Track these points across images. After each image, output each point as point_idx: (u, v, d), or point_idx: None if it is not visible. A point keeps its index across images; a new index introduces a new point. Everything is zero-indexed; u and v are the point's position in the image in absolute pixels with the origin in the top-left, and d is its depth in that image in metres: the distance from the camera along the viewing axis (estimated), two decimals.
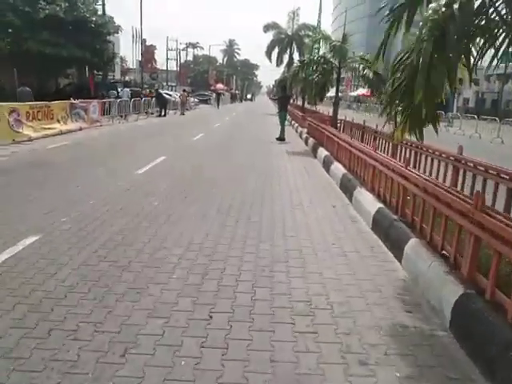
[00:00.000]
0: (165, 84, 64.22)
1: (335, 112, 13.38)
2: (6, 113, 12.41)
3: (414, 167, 7.50)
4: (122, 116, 21.91)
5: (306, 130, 16.25)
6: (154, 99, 27.63)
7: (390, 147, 9.49)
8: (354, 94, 68.63)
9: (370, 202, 5.67)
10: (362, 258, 4.45)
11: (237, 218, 5.62)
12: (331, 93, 15.46)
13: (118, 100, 21.80)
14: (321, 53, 13.58)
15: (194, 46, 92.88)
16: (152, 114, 26.98)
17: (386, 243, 4.74)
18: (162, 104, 27.34)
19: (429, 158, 7.53)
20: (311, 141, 13.37)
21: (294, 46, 38.78)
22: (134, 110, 24.09)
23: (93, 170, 8.66)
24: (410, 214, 4.72)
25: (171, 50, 68.55)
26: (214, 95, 58.54)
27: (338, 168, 8.30)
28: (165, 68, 68.31)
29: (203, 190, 7.15)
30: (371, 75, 12.13)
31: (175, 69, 70.54)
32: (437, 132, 4.32)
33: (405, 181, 4.79)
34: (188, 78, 79.75)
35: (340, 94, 41.24)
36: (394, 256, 4.46)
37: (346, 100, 61.62)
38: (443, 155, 7.07)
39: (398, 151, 9.08)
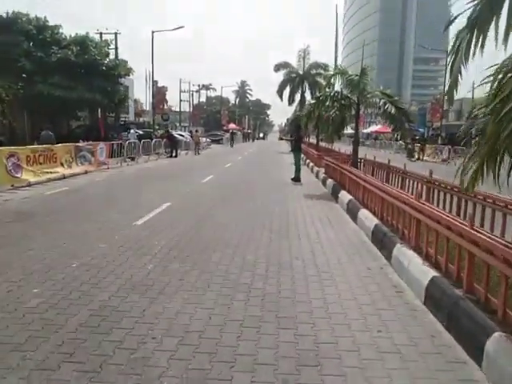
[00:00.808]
0: (178, 124, 64.87)
1: (355, 151, 12.33)
2: (3, 157, 11.67)
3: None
4: (131, 158, 21.27)
5: (323, 170, 15.19)
6: (164, 140, 27.11)
7: (424, 190, 8.34)
8: (367, 130, 68.28)
9: (418, 268, 4.45)
10: (422, 356, 3.21)
11: (248, 293, 4.40)
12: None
13: (127, 142, 21.19)
14: (337, 88, 12.71)
15: (207, 87, 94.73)
16: (163, 155, 26.42)
17: (451, 330, 3.49)
18: (173, 145, 26.79)
19: (488, 209, 6.23)
20: (330, 182, 12.27)
21: (306, 84, 38.52)
22: (144, 151, 23.52)
23: (85, 222, 7.63)
24: (484, 292, 3.49)
25: (184, 91, 69.80)
26: (227, 135, 58.91)
27: (367, 216, 7.12)
28: (178, 109, 69.57)
29: (207, 250, 6.00)
30: (393, 110, 11.15)
31: (188, 110, 71.52)
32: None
33: (472, 245, 3.61)
34: (201, 119, 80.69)
35: (352, 131, 40.71)
36: (466, 352, 3.21)
37: (360, 137, 61.09)
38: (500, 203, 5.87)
39: (435, 195, 7.92)
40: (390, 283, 4.72)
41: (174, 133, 32.70)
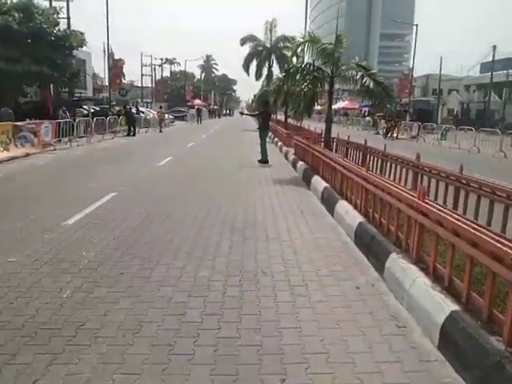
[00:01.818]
0: (140, 100, 61.99)
1: (328, 129, 11.13)
2: None
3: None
4: (86, 137, 19.41)
5: (292, 151, 13.96)
6: (121, 117, 25.09)
7: (411, 176, 7.25)
8: (334, 106, 67.34)
9: (425, 292, 3.30)
10: None
11: (194, 339, 3.07)
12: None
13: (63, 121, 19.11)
14: (306, 60, 11.35)
15: (171, 61, 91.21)
16: (120, 133, 24.47)
17: None
18: (131, 122, 24.83)
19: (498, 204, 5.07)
20: (301, 165, 11.05)
21: (273, 58, 36.88)
22: (98, 129, 21.57)
23: (5, 222, 6.11)
24: None
25: (146, 65, 66.56)
26: (192, 111, 56.68)
27: (348, 211, 5.96)
28: (141, 84, 66.35)
29: (149, 263, 4.67)
30: (372, 84, 9.96)
31: (150, 85, 68.43)
32: None
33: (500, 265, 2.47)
34: (165, 95, 77.61)
35: (319, 108, 39.44)
36: None
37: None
38: None
39: (424, 183, 6.84)
40: (387, 313, 3.54)
41: (132, 109, 30.60)
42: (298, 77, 10.53)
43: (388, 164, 8.50)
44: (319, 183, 8.22)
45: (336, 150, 12.05)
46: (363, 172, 5.60)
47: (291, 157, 13.26)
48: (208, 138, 25.07)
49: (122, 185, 9.11)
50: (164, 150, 17.30)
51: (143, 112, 34.99)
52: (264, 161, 13.37)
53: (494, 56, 40.79)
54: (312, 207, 7.40)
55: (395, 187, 4.69)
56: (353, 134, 15.19)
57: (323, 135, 11.40)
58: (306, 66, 10.69)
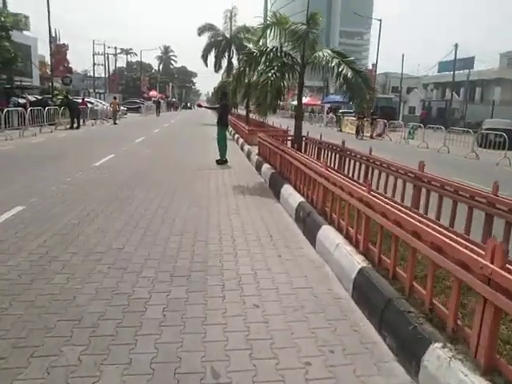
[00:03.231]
0: (92, 91, 58.44)
1: (298, 128, 9.39)
2: None
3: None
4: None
5: (256, 151, 12.14)
6: (62, 108, 22.36)
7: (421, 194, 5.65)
8: (295, 102, 65.95)
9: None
10: None
11: None
12: None
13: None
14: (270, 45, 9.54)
15: (127, 51, 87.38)
16: (62, 126, 21.77)
17: None
18: (73, 114, 22.14)
19: None
20: (267, 169, 9.26)
21: (233, 49, 34.84)
22: (34, 122, 18.91)
23: None
24: None
25: (99, 54, 62.74)
26: (147, 103, 53.85)
27: (340, 245, 4.21)
28: (93, 74, 62.56)
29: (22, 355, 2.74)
30: (350, 74, 8.32)
31: (106, 75, 64.68)
32: None
33: None
34: (120, 86, 73.93)
35: (281, 103, 37.84)
36: None
37: (288, 109, 58.56)
38: None
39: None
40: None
41: (85, 100, 27.78)
42: (262, 60, 8.71)
43: (376, 172, 6.85)
44: (292, 196, 6.44)
45: (306, 151, 10.37)
46: (365, 194, 3.88)
47: (254, 157, 11.44)
48: (161, 133, 22.79)
49: (37, 195, 7.00)
50: (107, 145, 15.04)
51: (91, 103, 32.15)
52: (223, 161, 11.52)
53: (456, 54, 40.73)
54: (284, 230, 5.61)
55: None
56: (316, 131, 13.66)
57: (293, 133, 9.64)
58: (272, 49, 8.87)
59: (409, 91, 56.73)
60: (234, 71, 12.25)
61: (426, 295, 2.94)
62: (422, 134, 23.51)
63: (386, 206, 3.52)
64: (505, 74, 47.48)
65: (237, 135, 18.95)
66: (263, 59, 8.74)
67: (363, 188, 4.11)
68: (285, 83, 8.98)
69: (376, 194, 3.94)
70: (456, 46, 39.86)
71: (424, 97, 54.55)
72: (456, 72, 44.15)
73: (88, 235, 5.12)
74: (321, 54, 8.82)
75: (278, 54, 8.82)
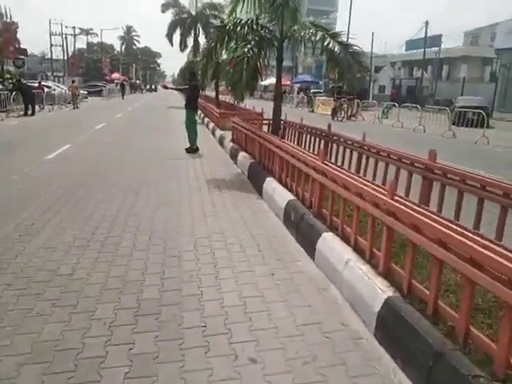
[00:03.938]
0: (50, 74, 55.35)
1: (277, 111, 8.39)
2: None
3: None
4: None
5: (229, 136, 11.09)
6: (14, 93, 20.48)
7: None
8: (265, 83, 64.41)
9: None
10: None
11: None
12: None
13: None
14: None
15: (88, 32, 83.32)
16: (14, 112, 19.93)
17: None
18: (26, 99, 20.31)
19: None
20: (244, 158, 8.26)
21: (200, 27, 33.17)
22: None
23: None
24: None
25: (55, 34, 59.20)
26: (110, 86, 51.54)
27: (349, 262, 3.32)
28: (50, 56, 59.15)
29: None
30: (337, 48, 7.38)
31: (64, 57, 61.24)
32: None
33: None
34: (80, 68, 70.42)
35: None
36: None
37: (258, 90, 57.09)
38: None
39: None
40: None
41: (41, 84, 25.70)
42: (236, 36, 7.62)
43: (371, 161, 5.99)
44: (278, 192, 5.50)
45: (285, 136, 9.42)
46: (388, 200, 2.98)
47: (228, 144, 10.40)
48: (125, 118, 21.28)
49: None
50: (64, 134, 13.62)
51: (48, 87, 30.02)
52: (193, 149, 10.43)
53: (426, 32, 40.37)
54: (273, 236, 4.67)
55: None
56: (288, 113, 12.76)
57: (272, 117, 8.63)
58: (247, 22, 7.77)
59: (377, 70, 56.29)
60: (203, 48, 11.01)
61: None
62: (395, 114, 23.00)
63: (419, 215, 2.65)
64: (471, 51, 47.68)
65: (207, 119, 17.74)
66: (237, 33, 7.63)
67: (382, 190, 3.21)
68: (262, 61, 7.94)
69: (400, 199, 3.03)
70: (426, 23, 39.51)
71: (393, 75, 54.28)
72: (426, 50, 43.91)
73: (29, 256, 4.04)
74: (302, 26, 7.80)
75: (254, 27, 7.74)
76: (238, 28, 7.65)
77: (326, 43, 7.42)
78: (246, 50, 7.20)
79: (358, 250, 3.52)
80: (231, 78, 7.54)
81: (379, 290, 2.86)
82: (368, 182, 3.59)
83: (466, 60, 47.73)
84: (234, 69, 7.23)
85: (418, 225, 2.66)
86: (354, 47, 7.85)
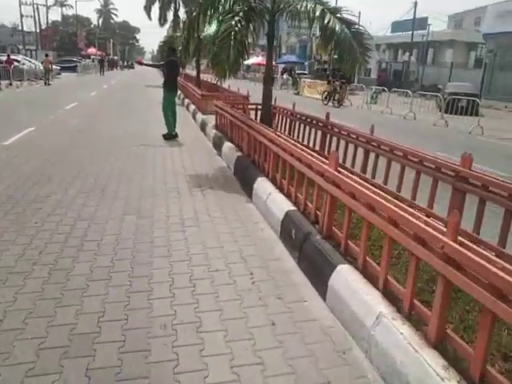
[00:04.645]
0: (21, 47, 52.62)
1: (268, 96, 7.34)
2: None
3: None
4: None
5: (212, 122, 9.99)
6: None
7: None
8: (248, 62, 62.39)
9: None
10: None
11: None
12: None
13: None
14: None
15: (62, 3, 79.58)
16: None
17: None
18: None
19: None
20: (229, 149, 7.22)
21: (180, 1, 31.34)
22: None
23: None
24: None
25: (25, 4, 55.99)
26: (85, 62, 49.26)
27: (383, 316, 2.41)
28: (21, 27, 56.03)
29: None
30: (338, 27, 6.37)
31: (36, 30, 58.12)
32: None
33: None
34: (54, 42, 67.17)
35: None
36: None
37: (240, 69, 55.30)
38: None
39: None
40: None
41: (10, 57, 23.85)
42: (222, 6, 6.51)
43: (382, 160, 5.06)
44: (273, 198, 4.52)
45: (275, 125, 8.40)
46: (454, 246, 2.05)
47: (211, 131, 9.31)
48: (99, 97, 19.81)
49: None
50: (29, 114, 12.31)
51: (17, 61, 28.12)
52: (171, 135, 9.35)
53: (415, 13, 39.37)
54: (270, 259, 3.72)
55: None
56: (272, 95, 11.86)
57: (262, 102, 7.57)
58: None
59: None
60: (183, 21, 9.78)
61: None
62: (384, 99, 22.12)
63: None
64: (458, 35, 46.97)
65: (187, 100, 16.48)
66: (223, 2, 6.51)
67: (439, 224, 2.28)
68: (251, 36, 6.87)
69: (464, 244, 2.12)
70: (415, 3, 38.36)
71: (378, 58, 53.31)
72: (409, 33, 43.00)
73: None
74: None
75: None
76: None
77: (326, 20, 6.38)
78: (233, 22, 6.11)
79: (390, 295, 2.61)
80: (215, 55, 6.44)
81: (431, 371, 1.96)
82: (407, 202, 2.63)
83: (451, 44, 47.07)
84: (220, 44, 6.13)
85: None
86: (357, 26, 6.85)
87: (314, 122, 7.07)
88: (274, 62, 47.07)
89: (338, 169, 3.29)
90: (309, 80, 31.89)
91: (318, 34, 6.95)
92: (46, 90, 22.49)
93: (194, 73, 24.75)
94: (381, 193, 2.80)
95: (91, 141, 8.91)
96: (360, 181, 3.03)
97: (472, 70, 42.25)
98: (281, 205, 4.27)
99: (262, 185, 5.01)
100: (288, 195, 4.47)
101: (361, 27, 6.85)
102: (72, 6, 71.73)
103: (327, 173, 3.35)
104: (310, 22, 6.51)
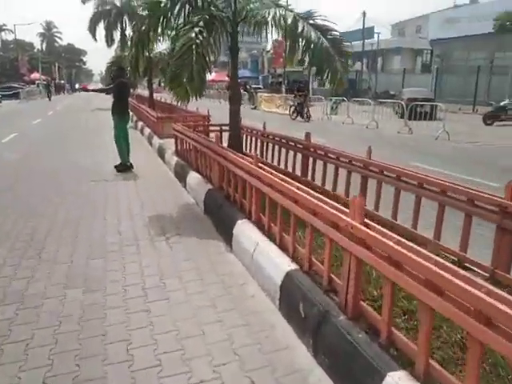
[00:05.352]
0: None
1: (235, 115, 6.33)
2: None
3: None
4: None
5: (172, 147, 8.85)
6: None
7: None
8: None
9: None
10: None
11: None
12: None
13: None
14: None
15: (1, 28, 76.26)
16: None
17: None
18: None
19: None
20: (195, 180, 6.12)
21: (126, 19, 30.07)
22: None
23: None
24: None
25: None
26: (29, 88, 46.74)
27: None
28: None
29: None
30: (314, 36, 5.49)
31: None
32: None
33: None
34: None
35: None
36: None
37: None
38: None
39: None
40: None
41: None
42: (175, 17, 5.48)
43: (387, 189, 4.17)
44: (265, 254, 3.46)
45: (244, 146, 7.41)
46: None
47: (172, 158, 8.17)
48: (43, 124, 18.15)
49: None
50: None
51: None
52: (125, 167, 8.16)
53: (364, 22, 39.93)
54: (271, 349, 2.67)
55: None
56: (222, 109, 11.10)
57: (229, 125, 6.55)
58: None
59: None
60: (130, 37, 8.63)
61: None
62: (344, 109, 21.73)
63: None
64: (404, 43, 48.32)
65: (141, 123, 15.23)
66: (176, 12, 5.49)
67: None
68: (212, 49, 5.87)
69: None
70: (364, 14, 38.97)
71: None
72: (358, 42, 43.64)
73: None
74: (261, 4, 5.82)
75: (200, 4, 5.63)
76: (178, 6, 5.51)
77: (299, 29, 5.49)
78: (192, 35, 5.07)
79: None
80: (174, 75, 5.37)
81: None
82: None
83: (399, 51, 48.30)
84: (179, 62, 5.07)
85: None
86: (334, 33, 6.02)
87: (292, 143, 6.12)
88: (227, 77, 46.23)
89: (366, 221, 2.31)
90: (265, 94, 31.37)
91: (287, 44, 5.97)
92: None
93: (145, 92, 23.54)
94: (445, 263, 1.84)
95: (29, 177, 7.59)
96: (409, 244, 2.06)
97: (419, 75, 43.40)
98: (275, 261, 3.25)
99: (245, 230, 3.97)
100: (283, 246, 3.45)
101: (336, 33, 6.01)
102: (12, 31, 68.63)
103: (350, 227, 2.36)
104: (283, 32, 5.58)
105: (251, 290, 3.41)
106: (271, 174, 3.60)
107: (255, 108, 30.06)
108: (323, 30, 5.73)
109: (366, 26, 45.80)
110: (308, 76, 44.17)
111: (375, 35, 47.37)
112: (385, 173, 4.04)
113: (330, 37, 5.75)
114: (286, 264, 3.14)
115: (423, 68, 46.91)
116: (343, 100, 22.58)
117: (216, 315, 3.05)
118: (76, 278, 3.70)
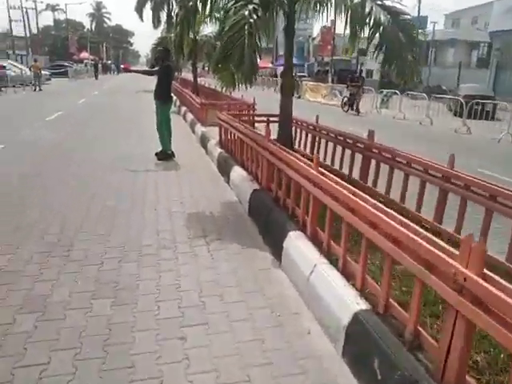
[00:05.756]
0: (11, 53, 51.31)
1: (286, 108, 5.70)
2: None
3: None
4: None
5: (215, 138, 8.35)
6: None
7: None
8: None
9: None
10: None
11: None
12: None
13: None
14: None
15: (54, 8, 78.12)
16: None
17: None
18: None
19: None
20: (240, 177, 5.58)
21: (173, 1, 29.68)
22: None
23: None
24: None
25: (15, 8, 54.41)
26: (77, 66, 47.79)
27: None
28: (10, 32, 54.36)
29: None
30: (383, 18, 4.79)
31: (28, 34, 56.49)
32: None
33: None
34: (46, 47, 65.69)
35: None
36: None
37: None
38: None
39: None
40: None
41: None
42: None
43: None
44: (321, 278, 2.90)
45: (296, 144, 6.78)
46: None
47: (215, 150, 7.66)
48: (88, 104, 18.15)
49: None
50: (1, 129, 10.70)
51: (3, 66, 26.86)
52: (166, 155, 7.74)
53: (419, 10, 37.85)
54: None
55: None
56: (271, 99, 10.40)
57: (279, 119, 5.94)
58: None
59: (364, 53, 53.62)
60: (176, 13, 8.07)
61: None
62: (396, 103, 20.52)
63: None
64: (459, 34, 45.63)
65: (184, 108, 14.82)
66: None
67: None
68: (265, 32, 5.24)
69: None
70: (419, 1, 36.80)
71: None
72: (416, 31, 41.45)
73: None
74: None
75: None
76: None
77: (367, 9, 4.77)
78: (246, 12, 4.47)
79: None
80: (222, 58, 4.80)
81: None
82: None
83: (453, 44, 45.70)
84: (228, 42, 4.49)
85: None
86: (405, 16, 5.25)
87: (350, 141, 5.44)
88: (271, 64, 45.10)
89: (485, 272, 1.68)
90: (311, 83, 30.31)
91: (347, 30, 5.25)
92: (31, 97, 20.85)
93: (190, 76, 23.17)
94: None
95: (67, 162, 7.30)
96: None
97: (475, 69, 40.94)
98: (339, 293, 2.66)
99: (298, 246, 3.39)
100: (347, 274, 2.85)
101: (407, 16, 5.24)
102: (64, 11, 70.31)
103: (462, 277, 1.73)
104: (346, 13, 4.88)
105: (306, 323, 2.84)
106: (337, 183, 2.98)
107: (299, 97, 29.12)
108: (393, 13, 4.98)
109: (420, 15, 43.53)
110: (356, 65, 42.64)
111: (430, 25, 44.95)
112: (472, 188, 3.31)
113: (401, 21, 4.99)
114: (353, 300, 2.54)
115: (479, 62, 44.22)
116: (395, 93, 21.30)
117: (264, 355, 2.51)
118: (105, 286, 3.27)
